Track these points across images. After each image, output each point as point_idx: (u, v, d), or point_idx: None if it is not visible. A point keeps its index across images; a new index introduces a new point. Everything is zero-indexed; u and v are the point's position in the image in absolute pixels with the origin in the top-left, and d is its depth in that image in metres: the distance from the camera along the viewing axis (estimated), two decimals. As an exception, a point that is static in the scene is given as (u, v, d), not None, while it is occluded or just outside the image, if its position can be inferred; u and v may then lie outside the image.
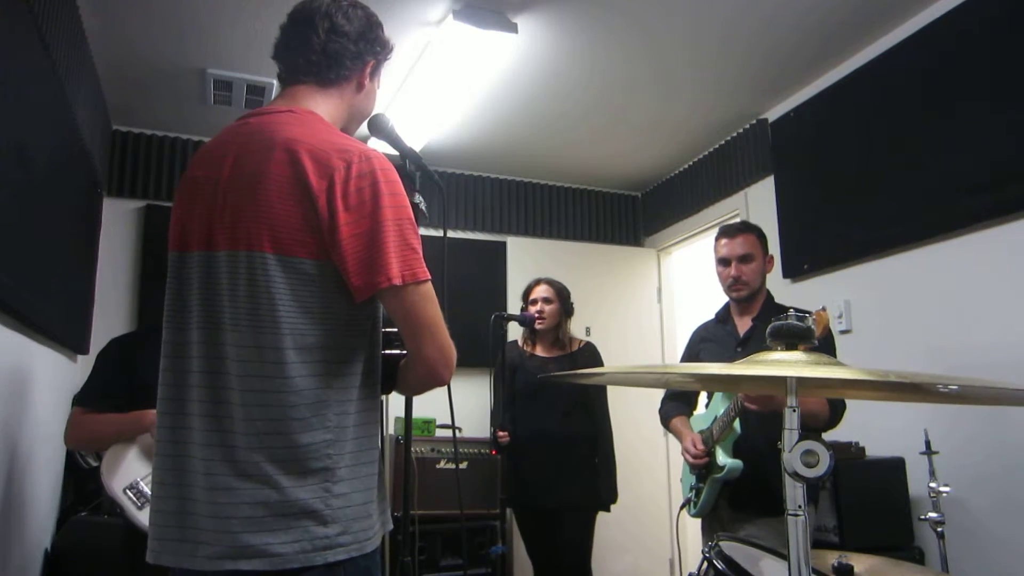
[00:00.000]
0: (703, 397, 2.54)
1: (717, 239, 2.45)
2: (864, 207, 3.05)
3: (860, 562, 1.55)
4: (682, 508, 2.39)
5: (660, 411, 2.59)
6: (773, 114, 3.70)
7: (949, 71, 2.69)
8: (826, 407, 2.11)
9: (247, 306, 1.15)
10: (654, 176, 4.79)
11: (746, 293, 2.38)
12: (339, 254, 1.15)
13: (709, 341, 2.49)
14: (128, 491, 2.00)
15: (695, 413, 2.53)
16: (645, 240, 5.03)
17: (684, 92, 3.55)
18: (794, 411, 1.04)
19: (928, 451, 1.98)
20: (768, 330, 1.12)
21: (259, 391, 1.13)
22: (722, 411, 2.23)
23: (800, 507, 1.01)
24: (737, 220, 2.44)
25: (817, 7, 2.82)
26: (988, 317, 2.53)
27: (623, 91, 3.53)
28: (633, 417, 4.39)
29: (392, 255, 1.15)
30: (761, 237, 2.43)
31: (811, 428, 2.11)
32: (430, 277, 1.20)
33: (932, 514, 1.88)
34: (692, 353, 2.54)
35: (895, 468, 2.63)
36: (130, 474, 2.03)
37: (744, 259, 2.37)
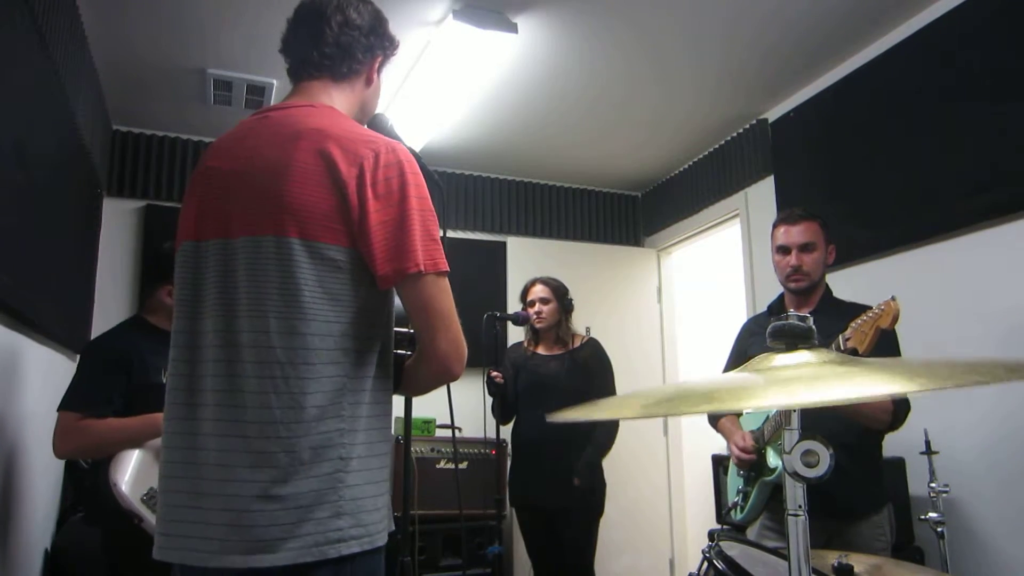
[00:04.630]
0: None
1: (776, 226, 2.31)
2: (864, 207, 3.05)
3: (860, 562, 1.55)
4: (728, 512, 2.30)
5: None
6: (773, 114, 3.70)
7: (949, 71, 2.69)
8: (890, 409, 2.02)
9: (269, 291, 1.14)
10: (654, 176, 4.79)
11: (805, 284, 2.24)
12: (367, 241, 1.16)
13: (759, 335, 2.34)
14: (147, 500, 1.87)
15: (744, 412, 2.40)
16: (645, 240, 5.03)
17: (684, 92, 3.55)
18: (794, 411, 1.03)
19: (928, 451, 1.98)
20: (768, 330, 1.12)
21: (279, 377, 1.12)
22: (774, 411, 2.12)
23: (800, 507, 1.01)
24: (797, 208, 2.29)
25: (817, 7, 2.82)
26: (988, 317, 2.53)
27: (623, 91, 3.53)
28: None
29: (418, 243, 1.17)
30: (825, 225, 2.28)
31: (874, 430, 2.06)
32: (449, 270, 1.22)
33: (932, 514, 1.87)
34: (741, 348, 2.40)
35: (895, 468, 2.63)
36: (146, 481, 1.90)
37: (805, 248, 2.23)
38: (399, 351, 1.31)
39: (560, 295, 3.24)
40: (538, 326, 3.21)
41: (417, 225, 1.18)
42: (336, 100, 1.35)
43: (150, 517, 1.84)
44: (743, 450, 2.19)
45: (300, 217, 1.15)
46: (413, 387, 1.36)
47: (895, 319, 1.81)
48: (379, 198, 1.16)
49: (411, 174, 1.20)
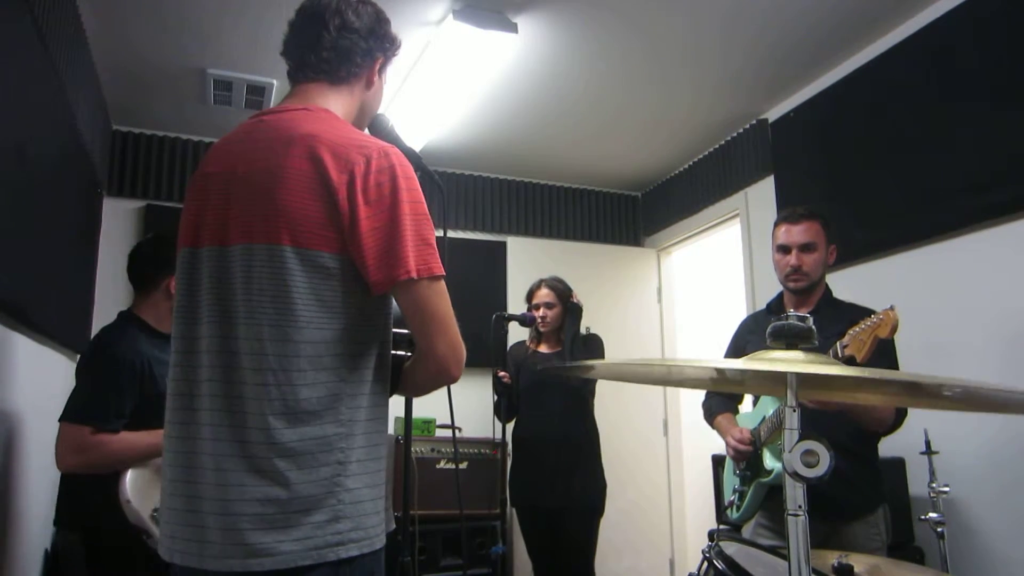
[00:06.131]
0: (749, 395, 2.41)
1: (777, 224, 2.29)
2: (864, 207, 3.05)
3: (860, 562, 1.55)
4: (725, 510, 2.32)
5: (704, 405, 2.47)
6: (773, 114, 3.70)
7: (949, 71, 2.69)
8: (892, 411, 2.02)
9: (263, 299, 1.14)
10: (654, 176, 4.79)
11: (805, 284, 2.22)
12: (358, 248, 1.15)
13: (757, 333, 2.33)
14: (155, 517, 1.81)
15: (741, 411, 2.43)
16: (645, 240, 5.03)
17: (684, 92, 3.55)
18: (794, 411, 1.03)
19: (928, 451, 1.98)
20: (768, 330, 1.12)
21: (273, 384, 1.12)
22: (771, 412, 2.15)
23: (800, 507, 1.01)
24: (800, 207, 2.29)
25: (816, 7, 2.82)
26: (987, 318, 2.53)
27: (623, 91, 3.53)
28: (632, 418, 4.39)
29: (409, 248, 1.16)
30: (826, 225, 2.25)
31: (874, 432, 2.07)
32: (444, 274, 1.21)
33: (932, 514, 1.87)
34: (738, 345, 2.40)
35: (895, 468, 2.63)
36: (151, 496, 1.83)
37: (806, 248, 2.21)
38: (398, 352, 1.31)
39: (564, 298, 3.26)
40: (543, 329, 3.26)
41: (409, 230, 1.16)
42: (333, 103, 1.34)
43: (157, 532, 1.77)
44: (740, 441, 2.19)
45: (292, 224, 1.15)
46: (411, 388, 1.35)
47: (894, 329, 1.80)
48: (370, 204, 1.15)
49: (403, 178, 1.18)
